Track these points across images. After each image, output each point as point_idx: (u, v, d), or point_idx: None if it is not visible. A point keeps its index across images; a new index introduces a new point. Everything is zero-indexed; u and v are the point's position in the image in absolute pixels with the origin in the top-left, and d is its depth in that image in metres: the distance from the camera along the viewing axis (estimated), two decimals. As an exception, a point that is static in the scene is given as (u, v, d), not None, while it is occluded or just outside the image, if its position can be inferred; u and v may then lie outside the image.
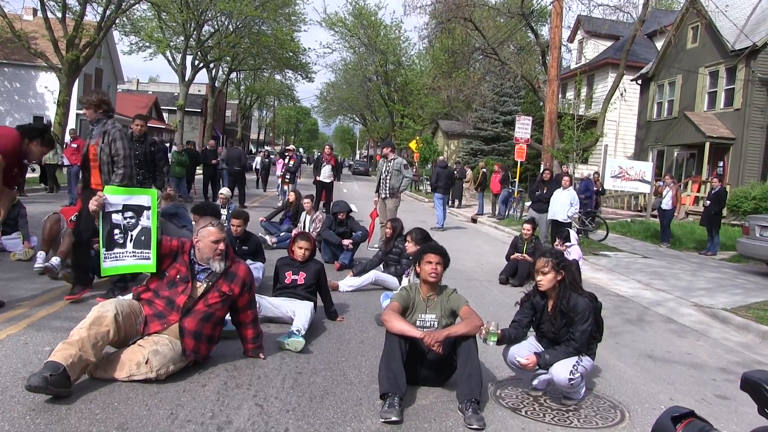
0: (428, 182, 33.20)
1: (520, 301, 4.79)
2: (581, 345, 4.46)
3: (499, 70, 27.68)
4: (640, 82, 28.92)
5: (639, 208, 24.91)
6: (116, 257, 4.20)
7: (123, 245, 4.17)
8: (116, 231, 4.20)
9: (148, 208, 4.27)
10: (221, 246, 4.50)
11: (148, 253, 4.15)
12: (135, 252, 4.19)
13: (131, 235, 4.19)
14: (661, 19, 28.91)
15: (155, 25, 37.01)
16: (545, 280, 4.50)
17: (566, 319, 4.49)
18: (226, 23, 40.97)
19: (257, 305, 5.39)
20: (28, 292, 6.37)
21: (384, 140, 14.49)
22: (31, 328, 5.14)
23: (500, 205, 21.13)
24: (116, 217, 4.24)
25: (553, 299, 4.56)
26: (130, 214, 4.23)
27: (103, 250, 4.23)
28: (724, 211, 16.43)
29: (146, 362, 4.06)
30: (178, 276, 4.49)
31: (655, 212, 17.98)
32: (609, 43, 33.64)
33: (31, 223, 8.62)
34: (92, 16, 25.31)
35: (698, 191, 23.07)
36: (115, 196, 4.33)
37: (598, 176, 18.75)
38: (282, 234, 11.14)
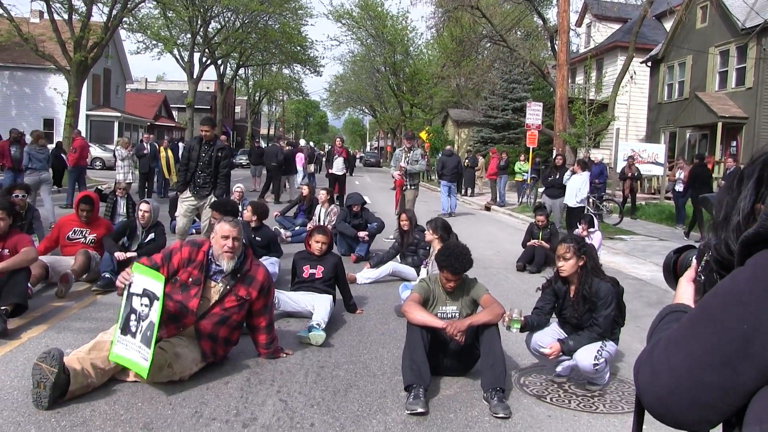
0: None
1: (542, 287, 4.75)
2: (605, 330, 4.42)
3: (507, 56, 27.48)
4: (649, 64, 28.56)
5: (653, 191, 24.71)
6: (126, 346, 3.94)
7: (134, 335, 3.94)
8: (133, 317, 3.99)
9: (158, 299, 4.01)
10: (229, 243, 4.41)
11: (148, 353, 3.85)
12: (141, 348, 3.91)
13: (141, 327, 3.96)
14: (670, -1, 28.59)
15: (162, 23, 37.03)
16: (567, 265, 4.45)
17: (589, 304, 4.45)
18: (232, 19, 40.94)
19: (276, 301, 5.39)
20: (48, 293, 6.41)
21: (405, 133, 14.54)
22: (52, 330, 5.17)
23: (500, 191, 21.14)
24: (136, 302, 4.03)
25: (575, 285, 4.52)
26: (146, 301, 4.01)
27: (118, 332, 4.00)
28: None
29: (168, 366, 4.04)
30: (190, 279, 4.43)
31: (669, 194, 17.79)
32: (617, 26, 33.26)
33: (46, 225, 8.64)
34: (98, 16, 25.34)
35: (712, 172, 22.80)
36: (141, 277, 4.12)
37: (633, 161, 18.31)
38: (297, 228, 11.15)
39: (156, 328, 3.89)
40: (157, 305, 3.96)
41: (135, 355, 3.85)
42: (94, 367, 3.85)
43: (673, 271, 1.46)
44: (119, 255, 6.91)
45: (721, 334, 1.02)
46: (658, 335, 1.18)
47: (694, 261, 1.36)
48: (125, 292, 4.09)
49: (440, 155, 20.49)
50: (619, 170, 21.31)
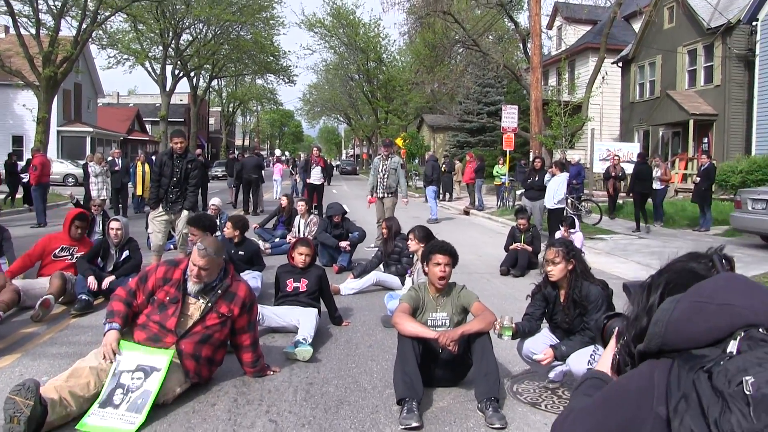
0: (417, 177, 33.22)
1: (531, 293, 4.68)
2: (596, 334, 4.36)
3: (480, 60, 27.60)
4: (620, 64, 28.92)
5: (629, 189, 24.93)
6: (103, 416, 3.69)
7: (117, 406, 3.72)
8: (119, 391, 3.79)
9: (159, 370, 3.88)
10: (195, 271, 4.26)
11: (137, 418, 3.69)
12: (124, 415, 3.71)
13: (130, 397, 3.77)
14: (638, 1, 28.92)
15: (132, 36, 36.63)
16: (556, 270, 4.39)
17: (580, 308, 4.39)
18: (204, 30, 40.64)
19: (260, 316, 5.26)
20: (19, 318, 6.20)
21: (383, 140, 14.31)
22: (26, 358, 4.95)
23: (477, 195, 21.20)
24: (125, 378, 3.85)
25: (565, 289, 4.46)
26: (139, 375, 3.85)
27: (95, 406, 3.74)
28: (713, 187, 16.41)
29: None
30: (167, 298, 4.29)
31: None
32: (587, 28, 33.62)
33: (17, 245, 8.33)
34: (67, 30, 24.96)
35: (685, 168, 23.12)
36: (132, 353, 3.96)
37: (618, 160, 18.26)
38: (276, 240, 11.01)
39: (154, 396, 3.75)
40: (158, 376, 3.83)
41: (115, 422, 3.63)
42: (73, 395, 3.66)
43: (601, 334, 1.76)
44: (91, 283, 6.57)
45: (610, 417, 1.31)
46: (574, 402, 1.49)
47: (615, 336, 1.60)
48: (111, 370, 3.89)
49: (429, 161, 20.45)
50: (596, 170, 21.46)
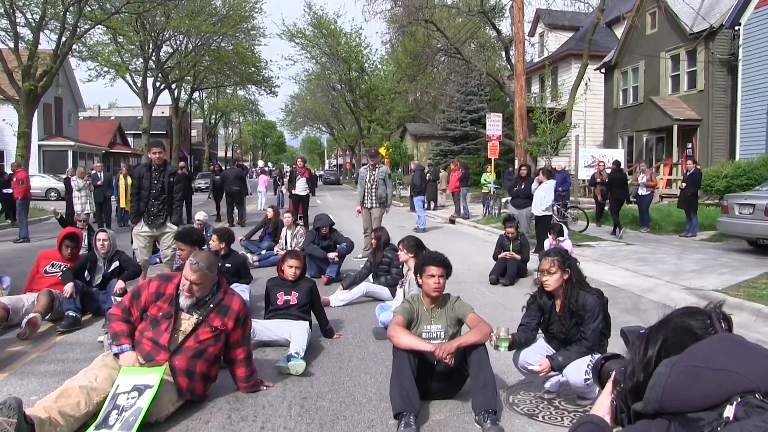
0: (401, 186, 33.23)
1: (527, 303, 4.64)
2: (593, 343, 4.32)
3: (463, 69, 27.67)
4: (603, 70, 29.09)
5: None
6: None
7: (111, 427, 3.66)
8: (114, 412, 3.73)
9: (151, 387, 3.83)
10: (187, 285, 4.20)
11: None
12: None
13: (123, 416, 3.71)
14: (620, 7, 29.19)
15: (112, 49, 36.41)
16: (552, 280, 4.36)
17: (576, 318, 4.36)
18: (184, 42, 40.48)
19: (251, 330, 5.17)
20: (5, 337, 6.06)
21: (368, 150, 14.19)
22: (14, 377, 4.83)
23: (463, 203, 21.18)
24: (121, 399, 3.80)
25: (561, 299, 4.42)
26: (134, 394, 3.80)
27: (91, 429, 3.68)
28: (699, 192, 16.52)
29: None
30: (160, 314, 4.21)
31: (633, 198, 18.00)
32: (570, 35, 33.84)
33: (2, 261, 8.21)
34: (46, 43, 24.73)
35: (670, 174, 23.27)
36: (128, 377, 3.91)
37: (603, 166, 18.30)
38: (263, 252, 10.91)
39: (144, 412, 3.66)
40: (150, 393, 3.75)
41: None
42: (62, 414, 3.55)
43: (598, 374, 1.79)
44: (66, 291, 6.46)
45: None
46: None
47: (612, 381, 1.61)
48: (111, 393, 3.81)
49: (415, 170, 20.43)
50: (581, 177, 21.53)
